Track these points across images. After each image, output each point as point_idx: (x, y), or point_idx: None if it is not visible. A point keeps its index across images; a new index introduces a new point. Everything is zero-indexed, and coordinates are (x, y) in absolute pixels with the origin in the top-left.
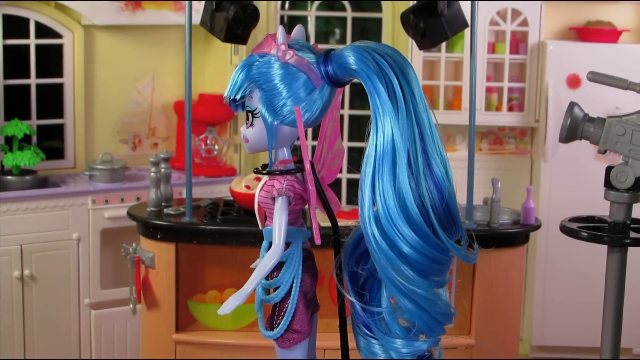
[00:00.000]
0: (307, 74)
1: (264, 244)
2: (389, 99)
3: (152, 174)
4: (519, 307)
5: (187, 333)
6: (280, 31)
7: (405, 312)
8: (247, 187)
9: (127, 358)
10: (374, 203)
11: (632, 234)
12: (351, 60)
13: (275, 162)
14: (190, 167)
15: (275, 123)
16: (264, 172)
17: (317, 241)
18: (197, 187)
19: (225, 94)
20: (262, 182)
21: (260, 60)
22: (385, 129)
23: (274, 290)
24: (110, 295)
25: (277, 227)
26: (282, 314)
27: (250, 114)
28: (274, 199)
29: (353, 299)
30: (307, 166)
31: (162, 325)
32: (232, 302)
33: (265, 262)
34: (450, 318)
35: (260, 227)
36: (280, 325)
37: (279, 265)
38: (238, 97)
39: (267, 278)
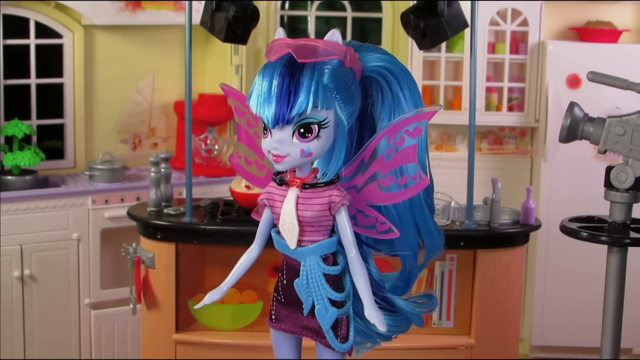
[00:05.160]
0: (357, 76)
1: (315, 260)
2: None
3: (152, 174)
4: (519, 307)
5: (187, 333)
6: (337, 34)
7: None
8: (247, 187)
9: (127, 358)
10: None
11: (632, 234)
12: (388, 58)
13: (308, 172)
14: (190, 167)
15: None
16: (337, 180)
17: (398, 233)
18: (197, 187)
19: (299, 108)
20: (295, 196)
21: (331, 66)
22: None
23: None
24: (110, 295)
25: (351, 236)
26: (346, 322)
27: (316, 126)
28: (329, 209)
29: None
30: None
31: (162, 325)
32: (377, 315)
33: (362, 274)
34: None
35: (293, 245)
36: (350, 335)
37: (341, 276)
38: (328, 105)
39: (338, 290)
